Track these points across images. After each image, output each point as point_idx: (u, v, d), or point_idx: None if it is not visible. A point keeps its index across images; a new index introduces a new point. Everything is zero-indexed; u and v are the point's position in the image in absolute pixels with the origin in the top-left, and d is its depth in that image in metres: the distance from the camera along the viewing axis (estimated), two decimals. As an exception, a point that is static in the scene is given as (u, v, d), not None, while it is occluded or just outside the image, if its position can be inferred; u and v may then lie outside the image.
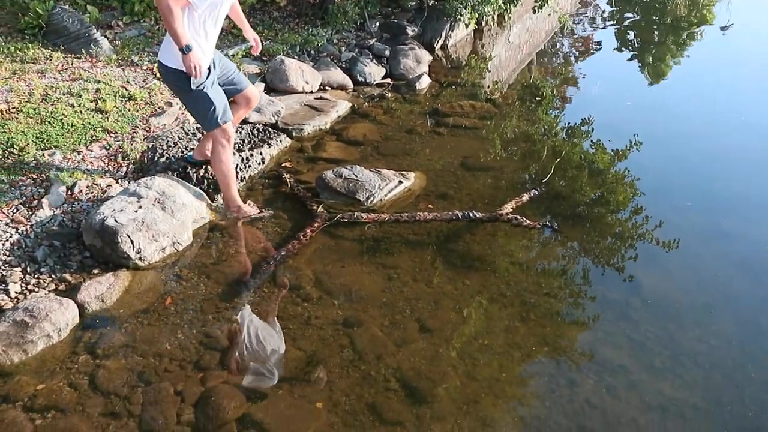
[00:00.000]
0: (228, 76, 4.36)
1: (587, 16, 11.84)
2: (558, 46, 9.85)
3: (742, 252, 4.35)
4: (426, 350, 3.37)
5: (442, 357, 3.33)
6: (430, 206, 4.65)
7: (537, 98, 7.12)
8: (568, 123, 6.46)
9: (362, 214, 4.48)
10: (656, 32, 10.53)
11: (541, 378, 3.26)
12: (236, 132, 5.32)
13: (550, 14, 8.91)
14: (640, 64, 8.95)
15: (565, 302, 3.83)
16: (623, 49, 9.84)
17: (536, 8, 8.37)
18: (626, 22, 11.33)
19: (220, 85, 4.25)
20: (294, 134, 5.73)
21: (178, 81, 4.01)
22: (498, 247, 4.27)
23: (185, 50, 3.80)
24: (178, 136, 5.08)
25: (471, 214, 4.42)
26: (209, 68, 4.07)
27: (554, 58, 9.25)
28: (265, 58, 7.09)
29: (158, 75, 5.72)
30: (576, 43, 9.99)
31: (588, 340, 3.51)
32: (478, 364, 3.31)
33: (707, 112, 6.85)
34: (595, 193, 5.02)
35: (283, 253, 4.09)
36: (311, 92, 6.62)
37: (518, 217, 4.41)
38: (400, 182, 4.89)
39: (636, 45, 10.09)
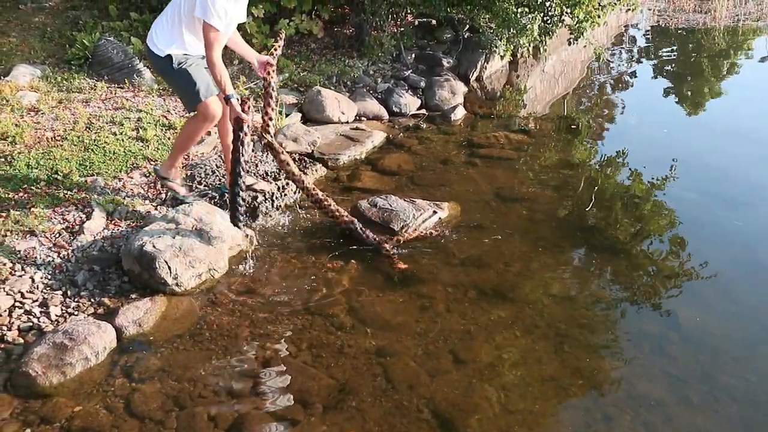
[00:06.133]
0: None
1: (624, 49, 11.83)
2: (594, 78, 9.84)
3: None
4: (459, 381, 3.34)
5: (475, 388, 3.29)
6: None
7: (573, 128, 7.10)
8: (605, 154, 6.42)
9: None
10: (694, 65, 10.46)
11: (576, 411, 3.20)
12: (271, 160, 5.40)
13: (585, 46, 8.92)
14: (677, 96, 8.89)
15: (601, 335, 3.78)
16: (661, 80, 9.79)
17: (571, 40, 8.39)
18: (663, 55, 11.29)
19: None
20: (330, 164, 5.80)
21: (160, 63, 4.31)
22: (532, 278, 4.24)
23: (228, 99, 4.21)
24: (216, 164, 5.17)
25: (367, 235, 4.49)
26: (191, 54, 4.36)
27: (590, 90, 9.24)
28: (301, 89, 7.21)
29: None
30: (612, 75, 9.98)
31: (624, 374, 3.44)
32: (512, 396, 3.26)
33: (742, 140, 6.77)
34: (631, 223, 4.97)
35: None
36: (347, 122, 6.70)
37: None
38: (435, 212, 4.90)
39: (673, 77, 10.03)
